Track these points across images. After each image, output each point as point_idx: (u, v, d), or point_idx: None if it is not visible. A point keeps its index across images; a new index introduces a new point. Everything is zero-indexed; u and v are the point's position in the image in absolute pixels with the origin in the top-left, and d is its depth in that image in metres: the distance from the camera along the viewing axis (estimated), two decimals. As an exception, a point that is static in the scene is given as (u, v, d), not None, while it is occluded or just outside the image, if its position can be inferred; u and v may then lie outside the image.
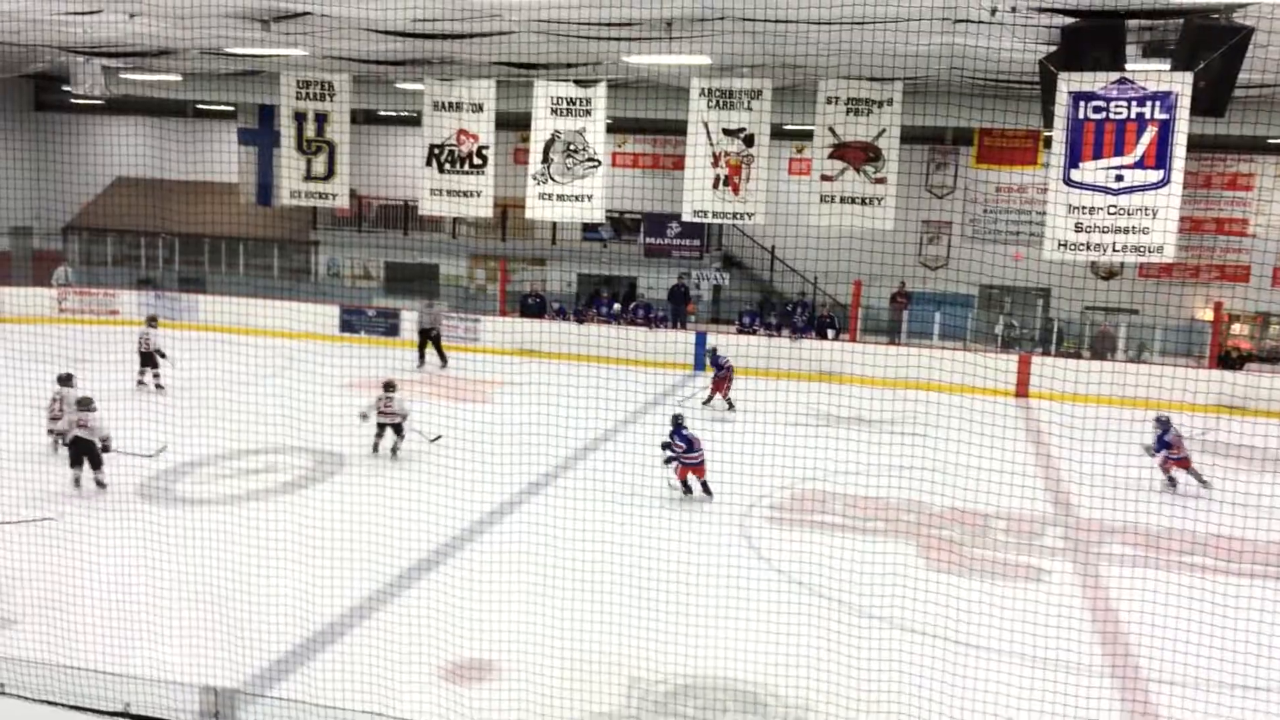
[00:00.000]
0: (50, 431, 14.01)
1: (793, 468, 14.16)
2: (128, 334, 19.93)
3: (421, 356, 21.89)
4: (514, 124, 16.28)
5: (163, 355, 18.35)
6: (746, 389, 18.52)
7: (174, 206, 25.67)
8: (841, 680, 8.06)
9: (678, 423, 12.94)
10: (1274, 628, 9.41)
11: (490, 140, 13.44)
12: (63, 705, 6.14)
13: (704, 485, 12.94)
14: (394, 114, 26.02)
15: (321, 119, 14.24)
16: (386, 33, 13.18)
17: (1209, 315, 22.71)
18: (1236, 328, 23.54)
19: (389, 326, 24.44)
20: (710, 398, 18.48)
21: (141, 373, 18.44)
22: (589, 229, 24.78)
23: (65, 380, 14.00)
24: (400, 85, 20.96)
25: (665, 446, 12.95)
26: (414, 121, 20.03)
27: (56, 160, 29.43)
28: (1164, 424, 14.37)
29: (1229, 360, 21.76)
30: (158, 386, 18.30)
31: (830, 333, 22.88)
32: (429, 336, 21.91)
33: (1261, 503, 12.96)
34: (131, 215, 26.65)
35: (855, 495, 13.84)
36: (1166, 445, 14.26)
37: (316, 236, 27.95)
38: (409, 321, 23.88)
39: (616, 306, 24.23)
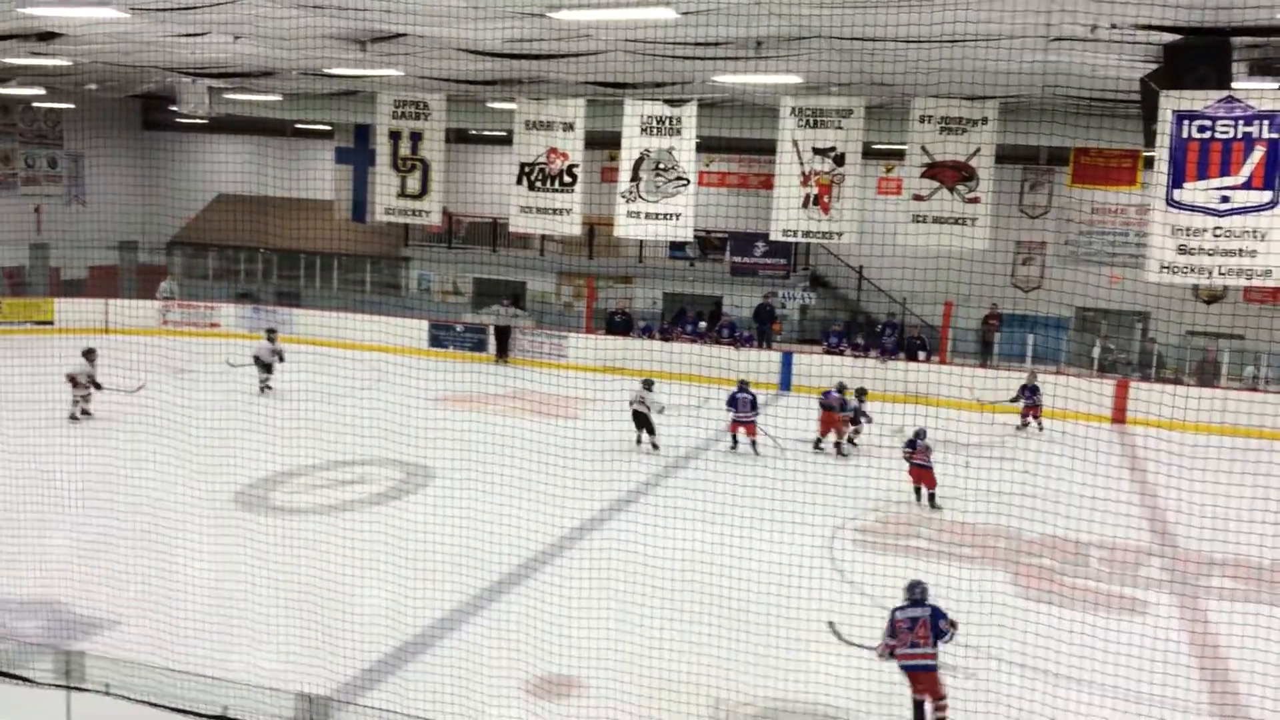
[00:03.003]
0: (75, 401, 16.58)
1: (882, 491, 13.99)
2: (226, 346, 20.57)
3: (500, 350, 24.42)
4: (603, 143, 16.41)
5: (282, 359, 19.53)
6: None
7: (272, 222, 26.42)
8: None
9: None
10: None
11: (579, 159, 13.56)
12: (164, 707, 6.32)
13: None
14: (485, 133, 26.44)
15: (416, 138, 14.53)
16: (480, 53, 13.41)
17: (1319, 341, 21.79)
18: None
19: (476, 341, 24.79)
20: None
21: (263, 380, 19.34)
22: (675, 248, 24.80)
23: (88, 355, 16.76)
24: (492, 104, 21.30)
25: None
26: (504, 140, 20.32)
27: (162, 177, 30.58)
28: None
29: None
30: (266, 388, 19.10)
31: (921, 354, 22.53)
32: (507, 332, 24.46)
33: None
34: (232, 231, 27.51)
35: (946, 520, 13.59)
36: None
37: (408, 253, 28.51)
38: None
39: (703, 325, 24.21)
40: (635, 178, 12.99)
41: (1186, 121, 9.57)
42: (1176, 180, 9.65)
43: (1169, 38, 9.84)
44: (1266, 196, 9.56)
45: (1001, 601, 10.20)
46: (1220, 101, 9.49)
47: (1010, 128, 14.96)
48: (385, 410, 13.99)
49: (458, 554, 10.38)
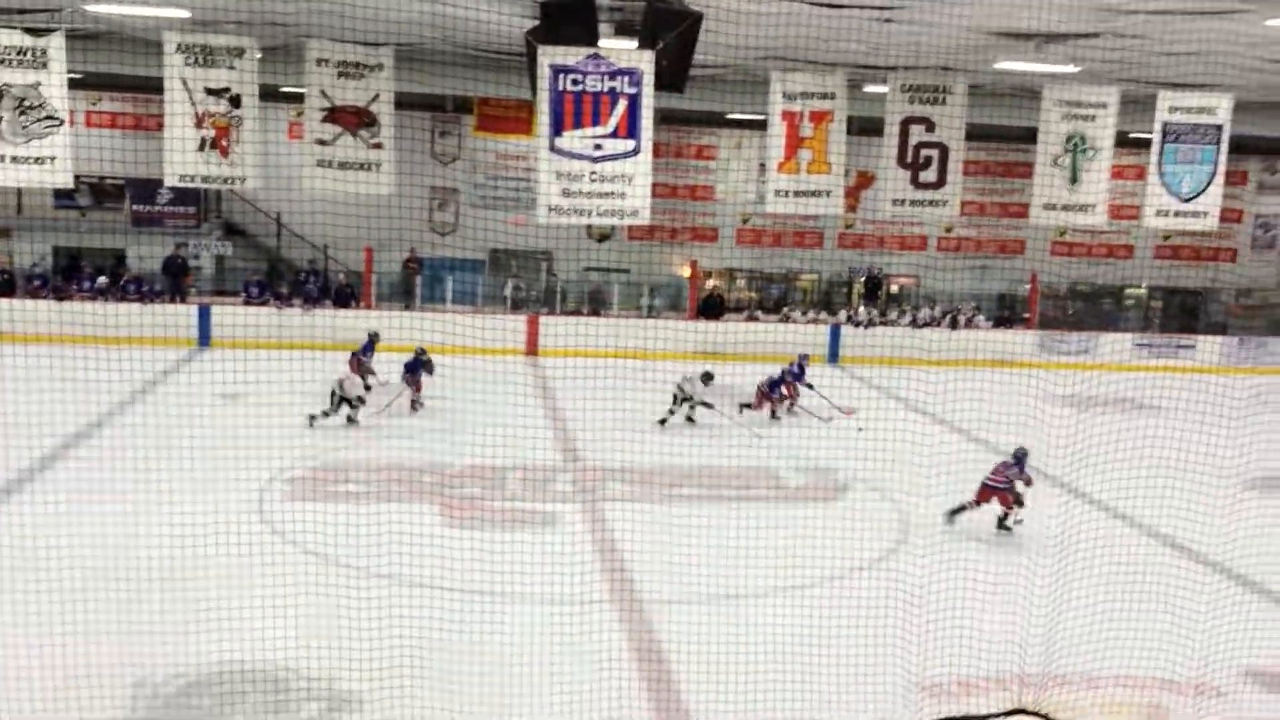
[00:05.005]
0: None
1: (312, 440, 13.93)
2: None
3: None
4: (-45, 75, 14.06)
5: None
6: (261, 363, 17.70)
7: None
8: (359, 645, 8.09)
9: None
10: (743, 543, 10.90)
11: (-84, 93, 11.49)
12: None
13: None
14: None
15: None
16: None
17: (688, 272, 25.40)
18: (711, 282, 26.54)
19: None
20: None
21: None
22: (62, 195, 22.16)
23: None
24: None
25: None
26: None
27: None
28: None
29: (711, 308, 24.42)
30: None
31: (352, 302, 22.59)
32: None
33: (734, 437, 14.93)
34: None
35: (374, 460, 13.87)
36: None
37: None
38: None
39: (103, 280, 21.98)
40: (-6, 116, 11.31)
41: (562, 75, 10.56)
42: (557, 129, 10.62)
43: (543, -4, 10.71)
44: (630, 145, 10.88)
45: (428, 532, 10.69)
46: (589, 58, 10.58)
47: (413, 75, 15.30)
48: None
49: None
